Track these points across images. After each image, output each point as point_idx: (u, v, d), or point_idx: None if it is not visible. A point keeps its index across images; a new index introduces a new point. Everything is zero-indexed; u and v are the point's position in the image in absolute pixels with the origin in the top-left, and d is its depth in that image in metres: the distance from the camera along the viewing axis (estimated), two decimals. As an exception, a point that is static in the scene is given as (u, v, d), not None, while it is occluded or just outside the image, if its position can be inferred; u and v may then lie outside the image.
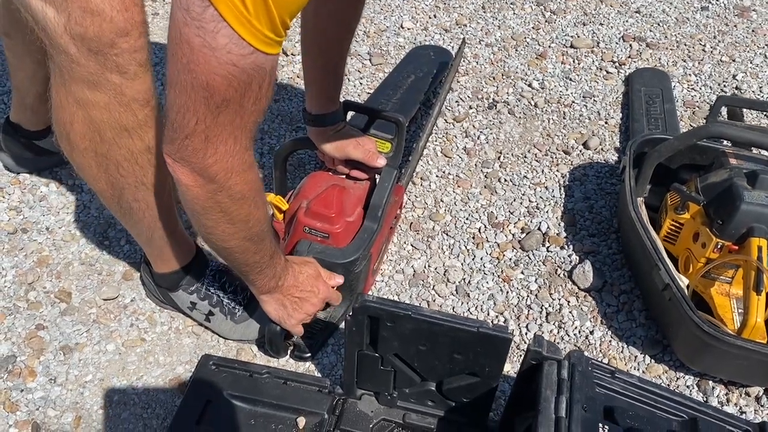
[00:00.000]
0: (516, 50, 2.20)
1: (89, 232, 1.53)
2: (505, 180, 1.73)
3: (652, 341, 1.37)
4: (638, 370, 1.33)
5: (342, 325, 1.36)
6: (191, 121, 0.83)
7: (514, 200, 1.68)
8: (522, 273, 1.50)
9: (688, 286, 1.31)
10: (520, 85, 2.05)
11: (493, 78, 2.08)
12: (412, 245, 1.56)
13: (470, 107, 1.96)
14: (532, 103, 1.98)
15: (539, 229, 1.60)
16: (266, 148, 1.78)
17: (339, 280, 1.23)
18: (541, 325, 1.40)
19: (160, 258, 1.27)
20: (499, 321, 1.41)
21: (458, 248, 1.55)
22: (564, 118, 1.94)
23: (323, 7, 1.23)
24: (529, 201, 1.67)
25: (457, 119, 1.91)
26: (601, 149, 1.84)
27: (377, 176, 1.41)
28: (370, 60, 2.12)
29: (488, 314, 1.42)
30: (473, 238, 1.58)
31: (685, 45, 2.25)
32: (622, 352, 1.36)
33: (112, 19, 0.88)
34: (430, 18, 2.34)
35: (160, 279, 1.31)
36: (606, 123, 1.93)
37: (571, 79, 2.08)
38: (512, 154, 1.81)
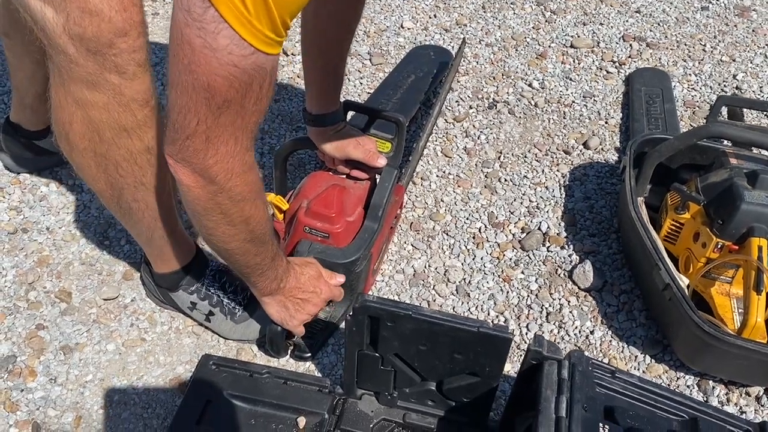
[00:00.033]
0: (516, 50, 2.20)
1: (89, 232, 1.53)
2: (506, 180, 1.73)
3: (653, 341, 1.37)
4: (638, 369, 1.33)
5: (342, 325, 1.36)
6: (192, 122, 0.83)
7: (515, 200, 1.68)
8: (522, 273, 1.50)
9: (688, 286, 1.31)
10: (521, 85, 2.05)
11: (494, 78, 2.08)
12: (412, 245, 1.56)
13: (470, 107, 1.96)
14: (533, 103, 1.98)
15: (539, 228, 1.60)
16: (266, 148, 1.78)
17: (340, 279, 1.23)
18: (541, 325, 1.40)
19: (160, 258, 1.27)
20: (499, 321, 1.41)
21: (458, 248, 1.55)
22: (564, 117, 1.94)
23: (323, 8, 1.23)
24: (530, 201, 1.67)
25: (458, 119, 1.91)
26: (602, 149, 1.84)
27: (377, 176, 1.41)
28: (370, 60, 2.12)
29: (488, 314, 1.42)
30: (473, 237, 1.58)
31: (686, 45, 2.25)
32: (622, 351, 1.36)
33: (110, 20, 0.88)
34: (430, 18, 2.34)
35: (160, 279, 1.31)
36: (606, 123, 1.93)
37: (571, 79, 2.08)
38: (512, 154, 1.81)
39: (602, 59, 2.17)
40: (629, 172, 1.48)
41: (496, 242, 1.57)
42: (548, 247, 1.56)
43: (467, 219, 1.62)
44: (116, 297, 1.40)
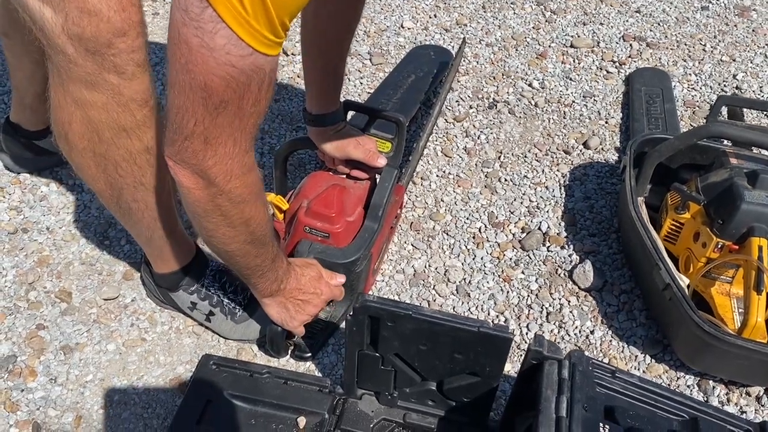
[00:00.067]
0: (516, 50, 2.20)
1: (90, 232, 1.53)
2: (506, 180, 1.73)
3: (653, 341, 1.37)
4: (639, 369, 1.33)
5: (342, 324, 1.36)
6: (190, 122, 0.83)
7: (515, 200, 1.68)
8: (522, 273, 1.50)
9: (688, 286, 1.31)
10: (521, 85, 2.05)
11: (494, 78, 2.07)
12: (412, 245, 1.56)
13: (470, 107, 1.96)
14: (533, 103, 1.98)
15: (540, 228, 1.60)
16: (266, 148, 1.78)
17: (341, 279, 1.23)
18: (541, 324, 1.40)
19: (160, 258, 1.27)
20: (499, 321, 1.41)
21: (459, 248, 1.55)
22: (564, 117, 1.94)
23: (323, 8, 1.22)
24: (530, 201, 1.67)
25: (458, 119, 1.91)
26: (602, 149, 1.84)
27: (377, 176, 1.41)
28: (370, 60, 2.12)
29: (489, 314, 1.42)
30: (473, 237, 1.58)
31: (686, 45, 2.25)
32: (622, 351, 1.36)
33: (109, 20, 0.88)
34: (430, 18, 2.34)
35: (160, 279, 1.31)
36: (606, 123, 1.93)
37: (571, 79, 2.08)
38: (512, 154, 1.81)
39: (602, 59, 2.17)
40: (629, 172, 1.48)
41: (496, 242, 1.57)
42: (548, 247, 1.56)
43: (467, 219, 1.62)
44: (116, 297, 1.40)
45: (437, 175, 1.74)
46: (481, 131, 1.87)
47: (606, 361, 1.34)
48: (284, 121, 1.87)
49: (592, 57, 2.18)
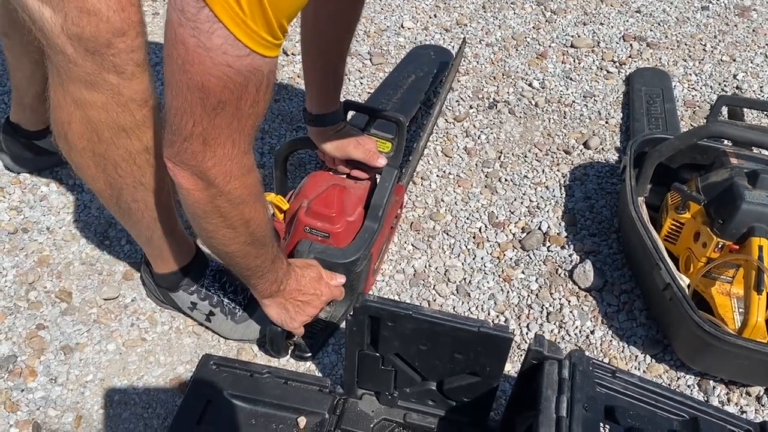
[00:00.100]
0: (516, 50, 2.20)
1: (90, 232, 1.53)
2: (506, 180, 1.73)
3: (653, 341, 1.37)
4: (639, 369, 1.33)
5: (343, 324, 1.36)
6: (188, 123, 0.83)
7: (515, 200, 1.67)
8: (523, 273, 1.50)
9: (688, 286, 1.31)
10: (521, 85, 2.05)
11: (494, 78, 2.07)
12: (412, 245, 1.56)
13: (471, 107, 1.96)
14: (533, 103, 1.98)
15: (540, 228, 1.60)
16: (266, 148, 1.78)
17: (341, 279, 1.23)
18: (541, 324, 1.40)
19: (160, 258, 1.27)
20: (499, 321, 1.41)
21: (459, 248, 1.55)
22: (564, 117, 1.94)
23: (323, 8, 1.22)
24: (530, 201, 1.67)
25: (458, 119, 1.91)
26: (602, 149, 1.83)
27: (378, 176, 1.41)
28: (370, 60, 2.12)
29: (489, 314, 1.42)
30: (474, 237, 1.58)
31: (686, 45, 2.25)
32: (622, 351, 1.36)
33: (108, 19, 0.88)
34: (430, 18, 2.34)
35: (160, 279, 1.31)
36: (606, 123, 1.93)
37: (571, 79, 2.08)
38: (513, 154, 1.81)
39: (602, 59, 2.17)
40: (629, 172, 1.48)
41: (496, 242, 1.57)
42: (548, 246, 1.56)
43: (467, 219, 1.62)
44: (116, 297, 1.40)
45: (437, 175, 1.74)
46: (481, 131, 1.87)
47: (606, 361, 1.34)
48: (284, 121, 1.87)
49: (593, 57, 2.18)
